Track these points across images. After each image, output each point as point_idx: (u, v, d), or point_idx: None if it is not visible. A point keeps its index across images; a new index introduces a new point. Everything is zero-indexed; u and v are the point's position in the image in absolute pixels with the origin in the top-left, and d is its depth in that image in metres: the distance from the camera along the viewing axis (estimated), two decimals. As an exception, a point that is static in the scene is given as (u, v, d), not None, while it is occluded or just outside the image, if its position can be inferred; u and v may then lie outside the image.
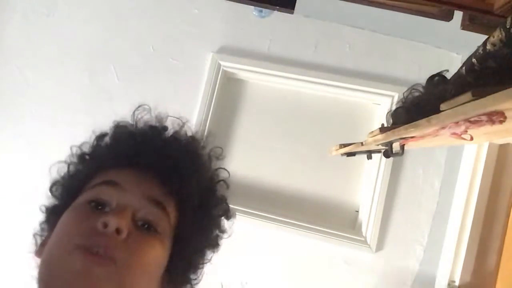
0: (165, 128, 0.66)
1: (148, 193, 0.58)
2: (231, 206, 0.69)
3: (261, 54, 2.24)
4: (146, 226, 0.57)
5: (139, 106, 0.67)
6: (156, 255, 0.57)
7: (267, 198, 2.22)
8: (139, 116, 0.66)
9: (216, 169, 0.69)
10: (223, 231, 0.69)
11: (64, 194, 0.65)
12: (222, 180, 0.69)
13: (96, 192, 0.58)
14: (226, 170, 0.70)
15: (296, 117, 2.29)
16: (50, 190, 0.66)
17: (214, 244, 0.68)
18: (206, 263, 0.68)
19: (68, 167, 0.66)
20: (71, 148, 0.67)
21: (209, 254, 0.68)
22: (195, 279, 0.66)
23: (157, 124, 0.66)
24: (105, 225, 0.53)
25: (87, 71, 2.30)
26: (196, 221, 0.62)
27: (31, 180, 2.15)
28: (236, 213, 0.71)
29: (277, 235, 2.19)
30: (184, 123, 0.67)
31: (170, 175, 0.60)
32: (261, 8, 1.96)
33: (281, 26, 2.24)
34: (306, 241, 2.17)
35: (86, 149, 0.67)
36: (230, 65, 2.24)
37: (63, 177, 0.66)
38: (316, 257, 2.19)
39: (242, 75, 2.30)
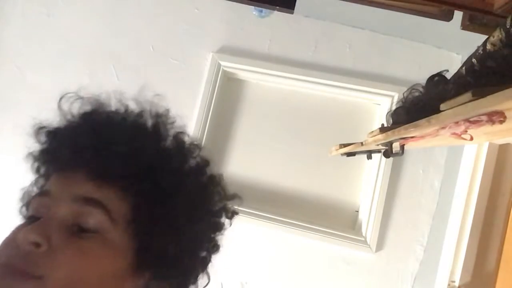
0: (83, 115, 0.58)
1: (75, 192, 0.52)
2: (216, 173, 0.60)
3: (261, 54, 2.24)
4: (84, 229, 0.51)
5: (61, 98, 0.60)
6: (96, 258, 0.50)
7: (267, 198, 2.22)
8: (64, 108, 0.59)
9: (174, 136, 0.58)
10: (222, 207, 0.61)
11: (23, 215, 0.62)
12: (185, 146, 0.59)
13: (31, 206, 0.55)
14: (185, 133, 0.59)
15: (296, 117, 2.29)
16: (19, 213, 0.63)
17: (210, 223, 0.60)
18: (211, 247, 0.60)
19: (27, 187, 0.63)
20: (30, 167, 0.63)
21: (210, 238, 0.60)
22: (196, 267, 0.59)
23: (77, 113, 0.58)
24: (21, 240, 0.48)
25: (87, 71, 2.30)
26: (152, 202, 0.53)
27: (31, 180, 2.15)
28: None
29: (277, 235, 2.19)
30: (106, 100, 0.59)
31: (97, 162, 0.52)
32: (261, 8, 1.96)
33: (281, 26, 2.24)
34: (306, 241, 2.17)
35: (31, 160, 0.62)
36: (230, 65, 2.24)
37: (22, 199, 0.63)
38: (316, 257, 2.19)
39: (242, 75, 2.30)
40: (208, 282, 0.60)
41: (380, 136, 1.00)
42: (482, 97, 0.55)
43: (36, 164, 0.61)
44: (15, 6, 2.36)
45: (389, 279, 2.16)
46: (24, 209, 0.62)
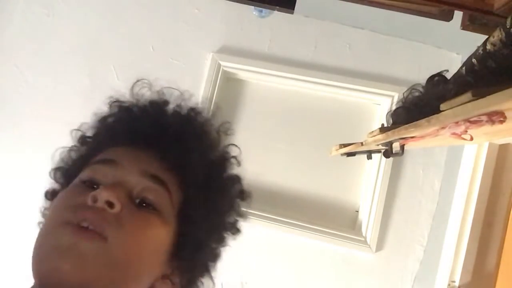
0: (163, 102, 0.63)
1: (145, 169, 0.55)
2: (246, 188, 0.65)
3: (261, 54, 2.24)
4: (144, 204, 0.54)
5: (137, 81, 0.64)
6: (154, 233, 0.53)
7: (267, 198, 2.22)
8: (138, 91, 0.64)
9: (226, 146, 0.65)
10: (240, 215, 0.65)
11: (64, 177, 0.63)
12: (233, 156, 0.65)
13: (91, 171, 0.56)
14: (236, 146, 0.66)
15: (296, 117, 2.29)
16: (51, 174, 0.64)
17: (230, 227, 0.64)
18: (222, 247, 0.63)
19: (69, 151, 0.64)
20: (71, 132, 0.65)
21: (225, 238, 0.64)
22: (210, 264, 0.62)
23: (156, 98, 0.63)
24: (95, 199, 0.50)
25: (87, 71, 2.30)
26: (203, 199, 0.58)
27: (31, 180, 2.15)
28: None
29: (277, 235, 2.19)
30: (184, 96, 0.65)
31: (170, 149, 0.57)
32: (261, 8, 1.96)
33: (281, 26, 2.24)
34: (306, 241, 2.17)
35: (86, 130, 0.65)
36: (230, 65, 2.24)
37: (63, 161, 0.64)
38: (316, 257, 2.19)
39: (242, 75, 2.30)
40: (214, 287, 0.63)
41: (380, 136, 1.00)
42: (482, 97, 0.55)
43: (90, 133, 0.64)
44: (16, 6, 2.36)
45: (389, 279, 2.16)
46: (58, 172, 0.63)
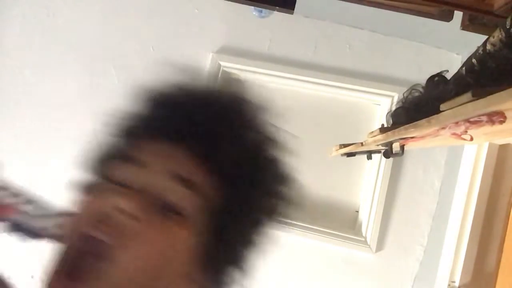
0: (197, 89, 0.55)
1: (172, 169, 0.49)
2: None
3: (261, 54, 2.24)
4: (169, 209, 0.48)
5: (169, 66, 0.56)
6: (173, 242, 0.48)
7: (267, 198, 2.22)
8: (167, 77, 0.56)
9: (271, 134, 0.57)
10: (287, 202, 0.57)
11: (93, 169, 0.56)
12: (280, 144, 0.57)
13: (116, 170, 0.50)
14: (286, 131, 0.58)
15: (296, 117, 2.28)
16: (82, 164, 0.57)
17: (274, 218, 0.57)
18: (263, 238, 0.58)
19: (102, 140, 0.57)
20: (105, 117, 0.57)
21: (267, 229, 0.57)
22: (245, 259, 0.56)
23: (188, 85, 0.56)
24: (115, 208, 0.46)
25: (87, 71, 2.30)
26: (241, 198, 0.51)
27: (31, 180, 2.15)
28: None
29: (277, 235, 2.18)
30: (217, 81, 0.57)
31: (202, 144, 0.50)
32: (261, 8, 1.96)
33: (281, 26, 2.24)
34: (306, 241, 2.17)
35: (121, 118, 0.56)
36: (230, 65, 2.24)
37: (95, 150, 0.57)
38: (316, 257, 2.19)
39: (242, 75, 2.30)
40: None
41: (380, 137, 1.00)
42: (482, 97, 0.55)
43: (122, 126, 0.56)
44: (16, 6, 2.36)
45: (389, 279, 2.16)
46: (89, 162, 0.56)
